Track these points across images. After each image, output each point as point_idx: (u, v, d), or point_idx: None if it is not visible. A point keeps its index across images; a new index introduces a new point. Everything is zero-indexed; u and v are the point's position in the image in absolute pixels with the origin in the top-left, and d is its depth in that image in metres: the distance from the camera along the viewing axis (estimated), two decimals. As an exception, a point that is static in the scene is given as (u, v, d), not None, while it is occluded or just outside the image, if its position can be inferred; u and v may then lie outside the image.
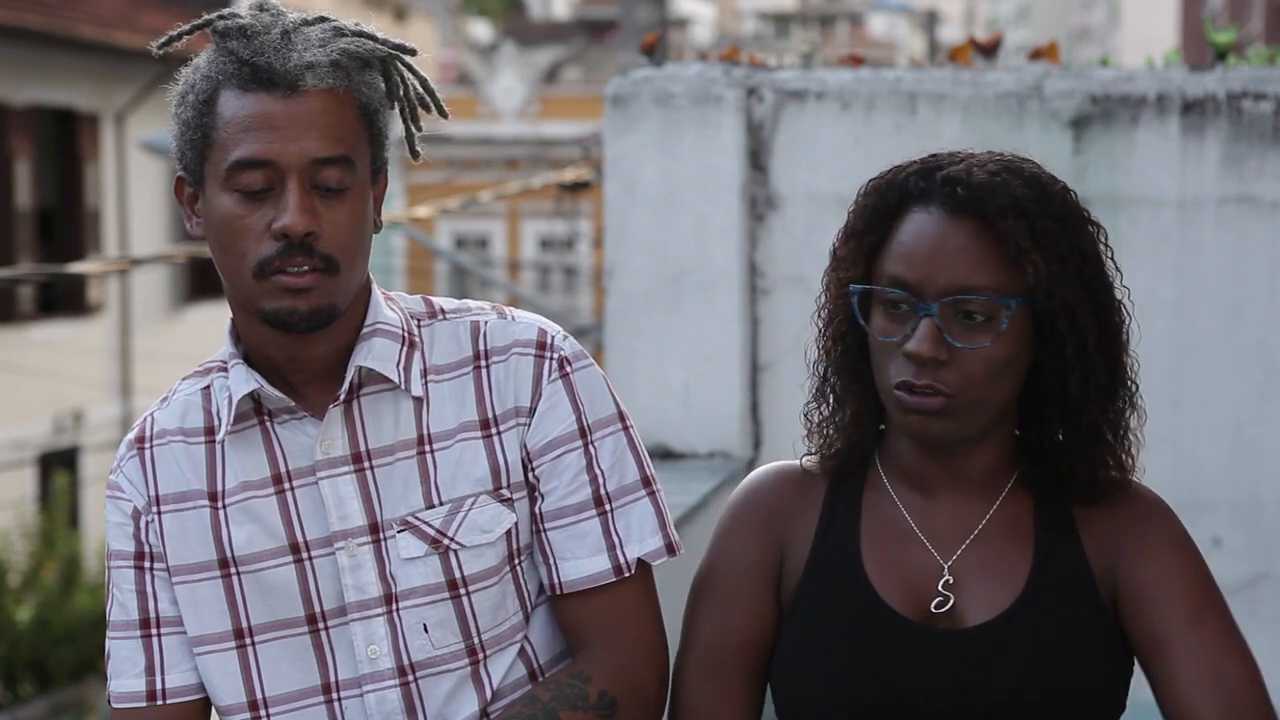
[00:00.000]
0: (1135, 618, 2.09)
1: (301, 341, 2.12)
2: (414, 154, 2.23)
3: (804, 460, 2.23)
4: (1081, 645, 2.08)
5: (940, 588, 2.11)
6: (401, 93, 2.16)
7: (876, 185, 2.13)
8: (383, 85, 2.13)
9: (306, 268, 2.05)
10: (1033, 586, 2.09)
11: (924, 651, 2.08)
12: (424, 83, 2.19)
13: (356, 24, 2.13)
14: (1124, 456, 2.14)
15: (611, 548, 2.16)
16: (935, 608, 2.10)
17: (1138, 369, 2.16)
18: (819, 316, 2.20)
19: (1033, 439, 2.15)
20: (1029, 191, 2.06)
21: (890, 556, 2.13)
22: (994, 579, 2.10)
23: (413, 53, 2.17)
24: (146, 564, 2.18)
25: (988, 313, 2.04)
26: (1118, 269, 2.14)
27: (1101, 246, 2.12)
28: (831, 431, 2.19)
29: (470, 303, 2.24)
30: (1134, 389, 2.15)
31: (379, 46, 2.12)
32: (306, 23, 2.10)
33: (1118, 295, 2.12)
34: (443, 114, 2.21)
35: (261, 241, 2.05)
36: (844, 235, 2.15)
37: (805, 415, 2.22)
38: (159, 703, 2.17)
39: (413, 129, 2.21)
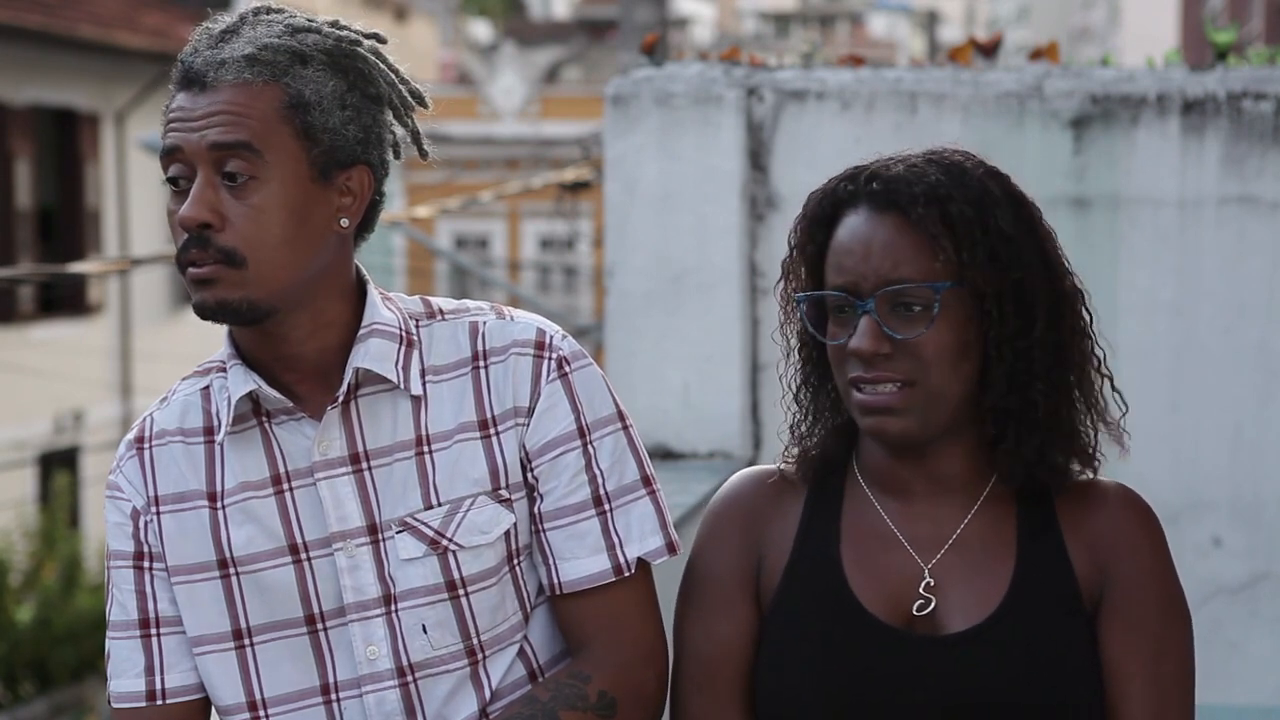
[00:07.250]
0: (1103, 634, 2.09)
1: (275, 340, 2.11)
2: (422, 153, 2.22)
3: (783, 464, 2.22)
4: (1063, 653, 2.07)
5: (921, 590, 2.10)
6: (374, 90, 2.14)
7: (813, 196, 2.15)
8: (332, 82, 2.10)
9: (210, 260, 2.06)
10: (1014, 593, 2.08)
11: (905, 658, 2.07)
12: (396, 74, 2.17)
13: (313, 19, 2.12)
14: (1057, 451, 2.10)
15: (611, 547, 2.15)
16: (917, 610, 2.09)
17: (1096, 362, 2.12)
18: (780, 328, 2.21)
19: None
20: (945, 178, 2.07)
21: (870, 561, 2.12)
22: (975, 585, 2.09)
23: (378, 39, 2.16)
24: (146, 564, 2.18)
25: (922, 301, 2.05)
26: (1050, 249, 2.10)
27: (1038, 229, 2.10)
28: (809, 438, 2.19)
29: (469, 303, 2.24)
30: (1067, 379, 2.10)
31: (323, 40, 2.11)
32: (256, 21, 2.11)
33: (1061, 279, 2.10)
34: (422, 104, 2.20)
35: (180, 235, 2.08)
36: (789, 249, 2.16)
37: (787, 418, 2.22)
38: (159, 703, 2.17)
39: (403, 123, 2.19)
